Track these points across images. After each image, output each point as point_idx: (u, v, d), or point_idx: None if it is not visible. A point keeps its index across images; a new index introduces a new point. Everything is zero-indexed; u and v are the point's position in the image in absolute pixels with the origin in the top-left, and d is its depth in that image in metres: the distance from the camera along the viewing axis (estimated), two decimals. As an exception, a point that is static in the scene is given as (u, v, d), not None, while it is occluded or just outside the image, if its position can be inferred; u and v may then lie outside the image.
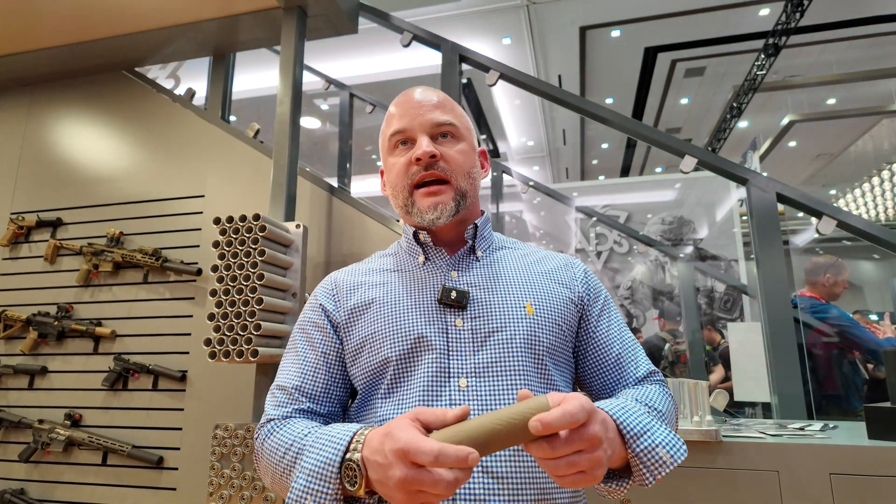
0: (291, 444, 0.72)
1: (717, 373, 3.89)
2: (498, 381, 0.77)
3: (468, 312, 0.81)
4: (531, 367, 0.79)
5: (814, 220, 1.88)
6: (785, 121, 7.57)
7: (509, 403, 0.74)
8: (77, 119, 2.59)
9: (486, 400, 0.75)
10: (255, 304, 1.69)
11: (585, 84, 7.29)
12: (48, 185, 2.51)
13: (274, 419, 0.79)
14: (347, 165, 3.32)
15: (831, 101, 7.60)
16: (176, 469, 2.01)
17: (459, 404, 0.74)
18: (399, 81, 6.04)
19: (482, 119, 7.75)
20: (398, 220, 2.23)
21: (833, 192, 10.17)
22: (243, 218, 1.78)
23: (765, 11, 5.80)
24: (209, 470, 1.68)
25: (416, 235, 0.88)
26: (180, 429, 2.05)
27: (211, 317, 1.75)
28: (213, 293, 1.76)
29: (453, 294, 0.80)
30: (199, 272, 2.18)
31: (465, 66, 2.35)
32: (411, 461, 0.55)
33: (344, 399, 0.86)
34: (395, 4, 4.98)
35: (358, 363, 0.82)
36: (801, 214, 2.09)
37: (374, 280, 0.88)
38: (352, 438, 0.64)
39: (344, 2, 2.23)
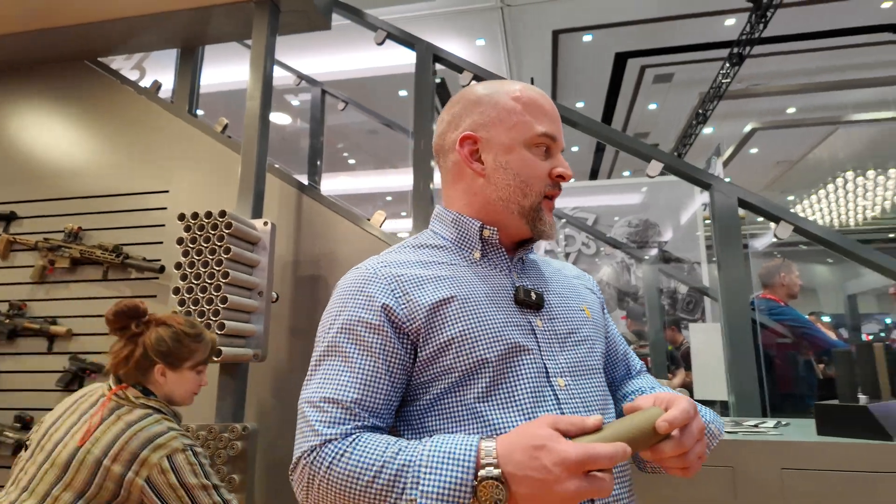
0: (383, 466, 0.63)
1: (679, 376, 3.95)
2: (586, 379, 0.79)
3: (543, 313, 0.81)
4: (600, 365, 0.84)
5: (773, 224, 1.95)
6: (747, 128, 7.82)
7: (598, 401, 0.79)
8: (36, 109, 2.49)
9: (583, 398, 0.77)
10: (220, 303, 1.66)
11: (557, 87, 7.38)
12: (2, 176, 2.41)
13: (334, 439, 0.68)
14: (318, 163, 3.28)
15: (791, 110, 7.89)
16: (135, 471, 1.96)
17: (566, 403, 0.74)
18: (372, 79, 6.01)
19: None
20: (369, 219, 2.21)
21: (791, 197, 10.55)
22: (209, 214, 1.74)
23: (730, 21, 5.98)
24: (170, 472, 1.64)
25: (481, 230, 0.83)
26: (141, 430, 2.00)
27: (174, 315, 1.71)
28: (176, 291, 1.72)
29: (533, 295, 0.79)
30: (162, 269, 2.13)
31: (439, 66, 2.35)
32: (585, 471, 0.56)
33: (397, 408, 0.78)
34: (369, 2, 4.95)
35: (438, 365, 0.74)
36: (760, 219, 2.16)
37: (438, 273, 0.79)
38: (478, 454, 0.60)
39: (316, -3, 2.21)
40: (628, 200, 6.40)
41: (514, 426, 0.70)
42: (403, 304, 0.75)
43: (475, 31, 6.00)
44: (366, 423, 0.71)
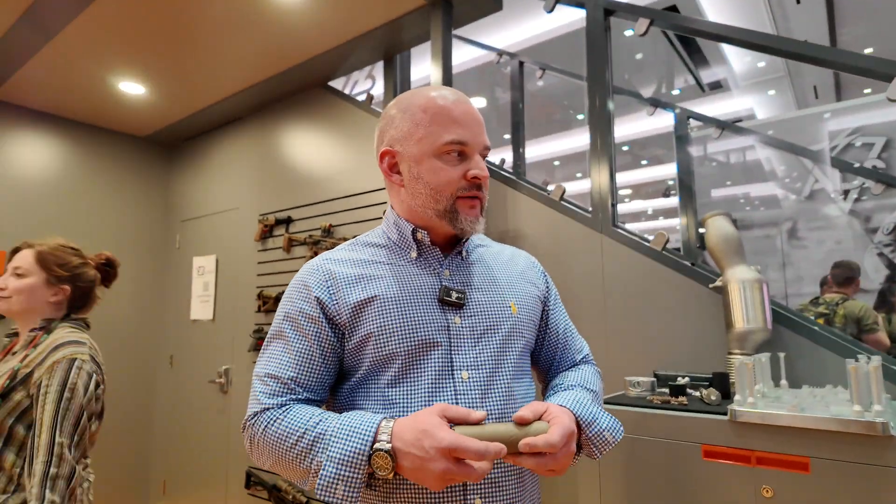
0: (304, 433, 0.78)
1: None
2: (493, 373, 0.87)
3: (465, 311, 0.89)
4: (515, 359, 0.92)
5: None
6: None
7: (502, 394, 0.87)
8: (293, 131, 3.19)
9: (483, 390, 0.85)
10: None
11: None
12: (280, 188, 3.18)
13: (271, 408, 0.83)
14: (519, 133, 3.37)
15: None
16: None
17: (464, 394, 0.84)
18: (545, 43, 5.71)
19: (692, 46, 6.81)
20: (548, 193, 2.22)
21: None
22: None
23: None
24: None
25: (414, 232, 0.92)
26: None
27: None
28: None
29: (454, 295, 0.88)
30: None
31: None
32: (454, 457, 0.70)
33: (332, 384, 0.91)
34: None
35: (361, 354, 0.87)
36: None
37: (371, 273, 0.90)
38: (377, 430, 0.74)
39: (485, -17, 2.27)
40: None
41: (414, 410, 0.82)
42: (335, 300, 0.88)
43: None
44: (300, 396, 0.85)
